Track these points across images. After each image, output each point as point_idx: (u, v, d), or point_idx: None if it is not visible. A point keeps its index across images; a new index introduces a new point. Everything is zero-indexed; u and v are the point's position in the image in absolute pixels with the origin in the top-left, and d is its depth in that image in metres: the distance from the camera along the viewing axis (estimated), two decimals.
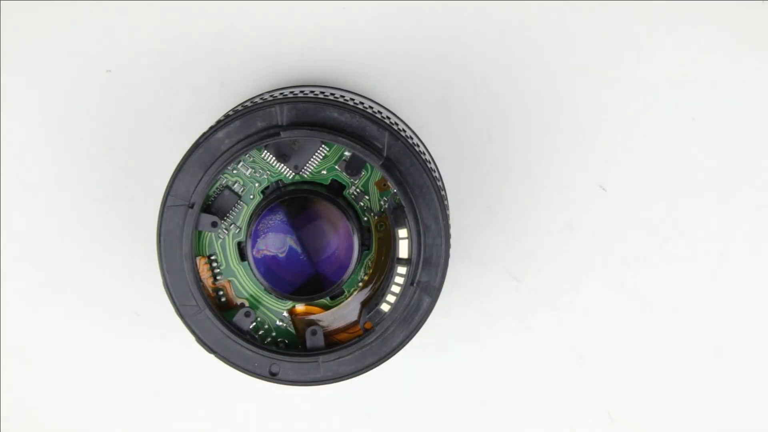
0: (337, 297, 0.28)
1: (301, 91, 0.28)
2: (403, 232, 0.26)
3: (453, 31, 0.33)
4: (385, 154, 0.26)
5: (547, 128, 0.34)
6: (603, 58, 0.33)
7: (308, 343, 0.27)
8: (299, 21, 0.33)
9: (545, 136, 0.34)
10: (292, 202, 0.26)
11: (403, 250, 0.26)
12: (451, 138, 0.34)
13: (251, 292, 0.28)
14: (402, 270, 0.26)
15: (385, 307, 0.27)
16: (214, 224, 0.26)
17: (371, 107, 0.28)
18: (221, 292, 0.28)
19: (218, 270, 0.28)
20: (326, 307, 0.28)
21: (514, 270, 0.35)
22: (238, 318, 0.27)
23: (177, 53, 0.33)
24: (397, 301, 0.27)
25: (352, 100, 0.28)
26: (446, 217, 0.27)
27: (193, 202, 0.26)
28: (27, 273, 0.34)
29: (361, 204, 0.27)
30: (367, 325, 0.27)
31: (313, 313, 0.28)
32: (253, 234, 0.26)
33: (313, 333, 0.27)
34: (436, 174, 0.28)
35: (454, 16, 0.33)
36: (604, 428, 0.35)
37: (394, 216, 0.26)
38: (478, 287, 0.35)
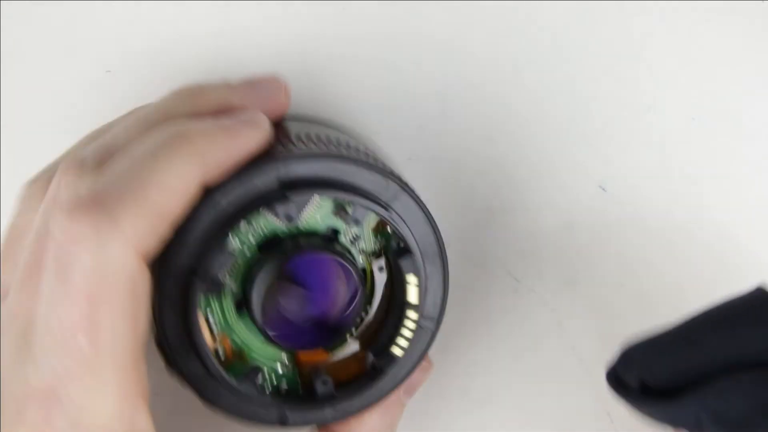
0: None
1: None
2: (412, 279, 0.26)
3: (453, 30, 0.33)
4: (390, 205, 0.26)
5: (546, 128, 0.34)
6: (603, 58, 0.33)
7: (319, 392, 0.27)
8: (299, 21, 0.33)
9: (545, 137, 0.34)
10: (291, 258, 0.25)
11: (413, 295, 0.26)
12: (451, 138, 0.34)
13: (249, 343, 0.27)
14: (412, 314, 0.27)
15: (397, 351, 0.27)
16: (210, 287, 0.25)
17: (360, 148, 0.27)
18: (219, 349, 0.26)
19: (215, 326, 0.26)
20: (328, 349, 0.28)
21: (514, 270, 0.35)
22: (247, 378, 0.26)
23: (177, 53, 0.33)
24: (410, 345, 0.27)
25: (345, 144, 0.27)
26: (445, 257, 0.27)
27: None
28: None
29: (359, 247, 0.27)
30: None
31: (317, 358, 0.28)
32: (253, 291, 0.25)
33: (324, 383, 0.27)
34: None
35: (454, 16, 0.33)
36: (604, 428, 0.35)
37: (401, 261, 0.26)
38: (478, 287, 0.35)
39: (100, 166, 0.22)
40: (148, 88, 0.34)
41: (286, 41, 0.33)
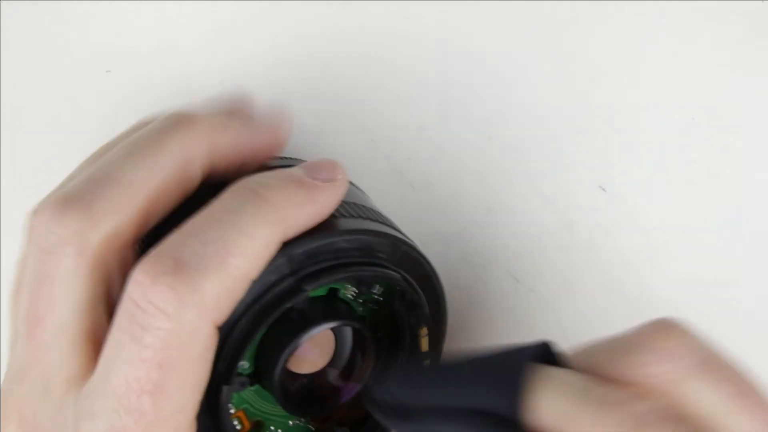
0: None
1: None
2: (423, 331, 0.26)
3: (452, 30, 0.33)
4: (400, 268, 0.25)
5: (547, 128, 0.34)
6: (603, 58, 0.33)
7: None
8: (298, 20, 0.33)
9: (545, 137, 0.34)
10: (301, 331, 0.24)
11: (425, 344, 0.27)
12: (451, 138, 0.34)
13: (262, 409, 0.27)
14: (426, 362, 0.27)
15: None
16: (236, 387, 0.24)
17: (352, 206, 0.26)
18: (236, 422, 0.26)
19: (230, 404, 0.26)
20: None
21: (514, 270, 0.35)
22: None
23: (177, 53, 0.33)
24: None
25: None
26: (443, 295, 0.27)
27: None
28: None
29: (360, 299, 0.27)
30: None
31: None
32: (271, 369, 0.24)
33: None
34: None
35: (454, 16, 0.33)
36: None
37: (411, 318, 0.26)
38: (478, 287, 0.35)
39: (94, 201, 0.22)
40: (148, 88, 0.34)
41: (285, 41, 0.33)
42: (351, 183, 0.30)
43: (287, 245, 0.23)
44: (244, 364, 0.25)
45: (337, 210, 0.24)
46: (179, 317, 0.20)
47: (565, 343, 0.35)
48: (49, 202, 0.22)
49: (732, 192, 0.34)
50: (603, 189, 0.34)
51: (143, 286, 0.20)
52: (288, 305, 0.23)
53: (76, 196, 0.22)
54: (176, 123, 0.24)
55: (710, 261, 0.34)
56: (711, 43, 0.33)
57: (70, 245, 0.21)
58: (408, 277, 0.26)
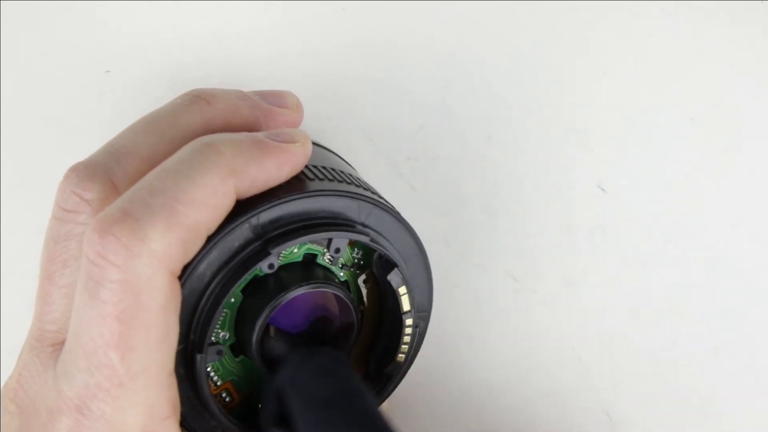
0: None
1: None
2: (402, 289, 0.26)
3: (452, 31, 0.33)
4: (366, 224, 0.25)
5: (546, 128, 0.34)
6: (603, 58, 0.33)
7: None
8: (298, 20, 0.33)
9: (545, 137, 0.34)
10: (277, 296, 0.24)
11: (406, 304, 0.27)
12: (451, 138, 0.34)
13: (252, 379, 0.27)
14: (409, 320, 0.27)
15: (400, 357, 0.27)
16: (212, 357, 0.24)
17: (319, 169, 0.26)
18: (224, 394, 0.26)
19: (216, 376, 0.26)
20: None
21: (514, 270, 0.35)
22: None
23: (177, 53, 0.33)
24: (410, 349, 0.27)
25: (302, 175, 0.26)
26: (424, 252, 0.27)
27: (185, 346, 0.24)
28: (27, 273, 0.34)
29: (339, 263, 0.27)
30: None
31: None
32: (249, 336, 0.24)
33: None
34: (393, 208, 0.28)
35: (454, 16, 0.33)
36: (603, 428, 0.35)
37: (389, 278, 0.26)
38: (478, 287, 0.35)
39: (107, 170, 0.23)
40: (148, 88, 0.34)
41: (285, 41, 0.33)
42: (326, 148, 0.30)
43: (251, 209, 0.23)
44: (225, 335, 0.25)
45: (303, 173, 0.24)
46: (130, 268, 0.20)
47: (565, 342, 0.35)
48: (75, 168, 0.23)
49: (731, 192, 0.34)
50: (603, 189, 0.34)
51: (94, 240, 0.20)
52: (255, 268, 0.23)
53: (97, 164, 0.23)
54: (194, 99, 0.25)
55: (709, 261, 0.34)
56: (711, 43, 0.33)
57: (89, 206, 0.22)
58: (381, 236, 0.25)
